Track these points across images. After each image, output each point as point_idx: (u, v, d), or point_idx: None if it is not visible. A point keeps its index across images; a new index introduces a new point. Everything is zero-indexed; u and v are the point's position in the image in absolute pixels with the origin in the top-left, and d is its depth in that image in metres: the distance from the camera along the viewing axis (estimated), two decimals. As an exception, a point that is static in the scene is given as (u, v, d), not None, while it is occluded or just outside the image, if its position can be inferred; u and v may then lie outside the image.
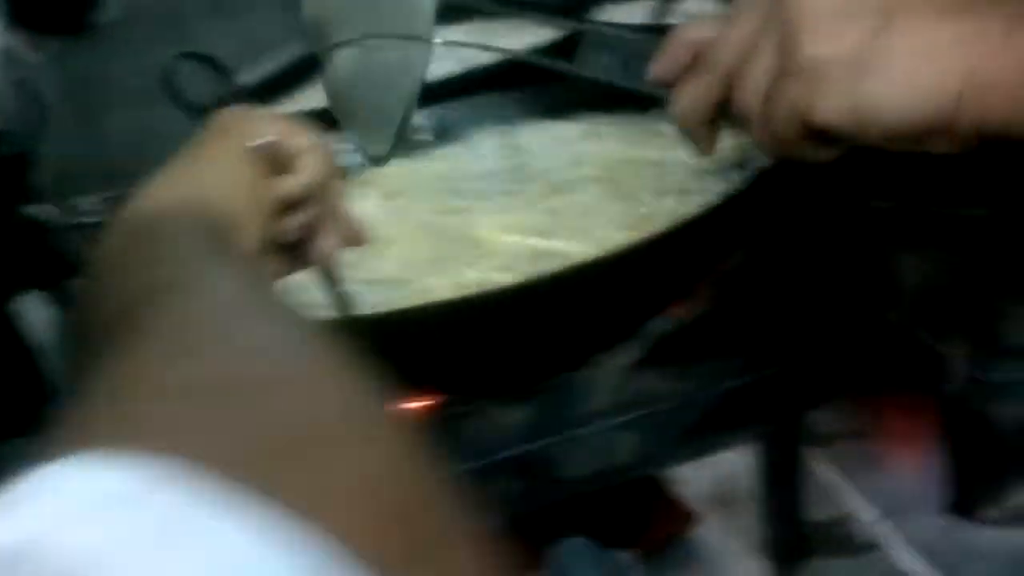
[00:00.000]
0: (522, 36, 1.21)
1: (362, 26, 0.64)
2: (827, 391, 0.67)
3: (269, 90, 1.25)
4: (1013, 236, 0.63)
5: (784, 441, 0.71)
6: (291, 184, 0.49)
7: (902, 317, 0.66)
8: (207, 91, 1.19)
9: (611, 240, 0.60)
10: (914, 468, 0.82)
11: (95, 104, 1.58)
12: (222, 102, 1.16)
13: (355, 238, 0.54)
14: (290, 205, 0.50)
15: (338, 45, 0.65)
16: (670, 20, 0.84)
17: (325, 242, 0.52)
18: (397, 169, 0.78)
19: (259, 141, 0.49)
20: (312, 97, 1.21)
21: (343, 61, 0.66)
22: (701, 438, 0.63)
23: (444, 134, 0.84)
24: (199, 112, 1.10)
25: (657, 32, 0.79)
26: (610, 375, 0.62)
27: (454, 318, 0.56)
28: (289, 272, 0.53)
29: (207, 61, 1.16)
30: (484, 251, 0.65)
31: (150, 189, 0.45)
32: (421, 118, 0.82)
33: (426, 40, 0.64)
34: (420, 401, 0.61)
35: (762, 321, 0.65)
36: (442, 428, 0.61)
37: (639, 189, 0.67)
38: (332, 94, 0.68)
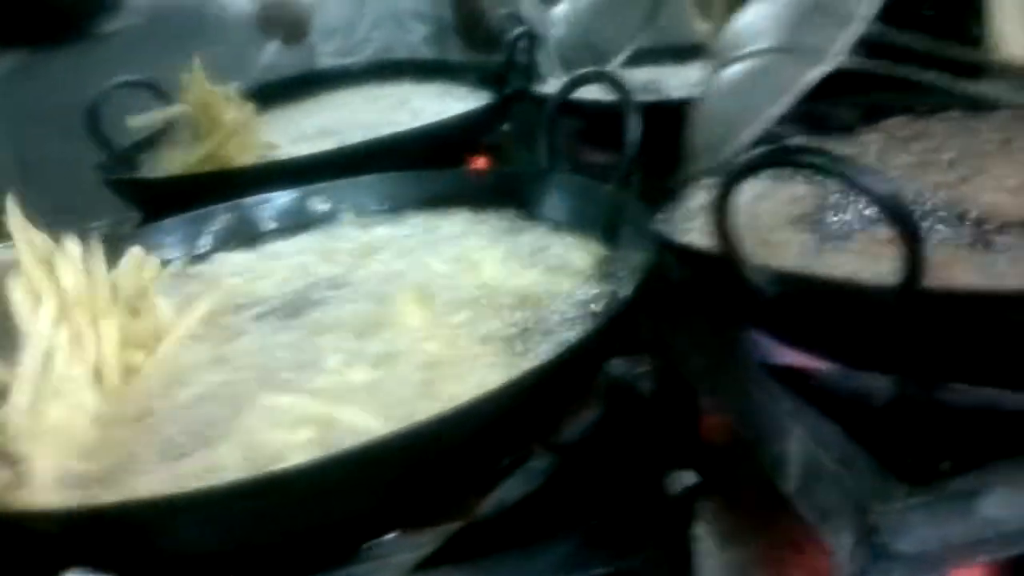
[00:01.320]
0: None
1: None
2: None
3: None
4: (917, 413, 0.51)
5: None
6: None
7: (788, 490, 0.54)
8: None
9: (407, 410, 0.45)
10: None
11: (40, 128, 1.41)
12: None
13: None
14: None
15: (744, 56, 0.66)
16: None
17: None
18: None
19: None
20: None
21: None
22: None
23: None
24: (113, 150, 0.96)
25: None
26: (386, 572, 0.47)
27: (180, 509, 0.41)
28: None
29: (150, 88, 1.03)
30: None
31: None
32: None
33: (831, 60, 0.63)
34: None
35: (594, 499, 0.51)
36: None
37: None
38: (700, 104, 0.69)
